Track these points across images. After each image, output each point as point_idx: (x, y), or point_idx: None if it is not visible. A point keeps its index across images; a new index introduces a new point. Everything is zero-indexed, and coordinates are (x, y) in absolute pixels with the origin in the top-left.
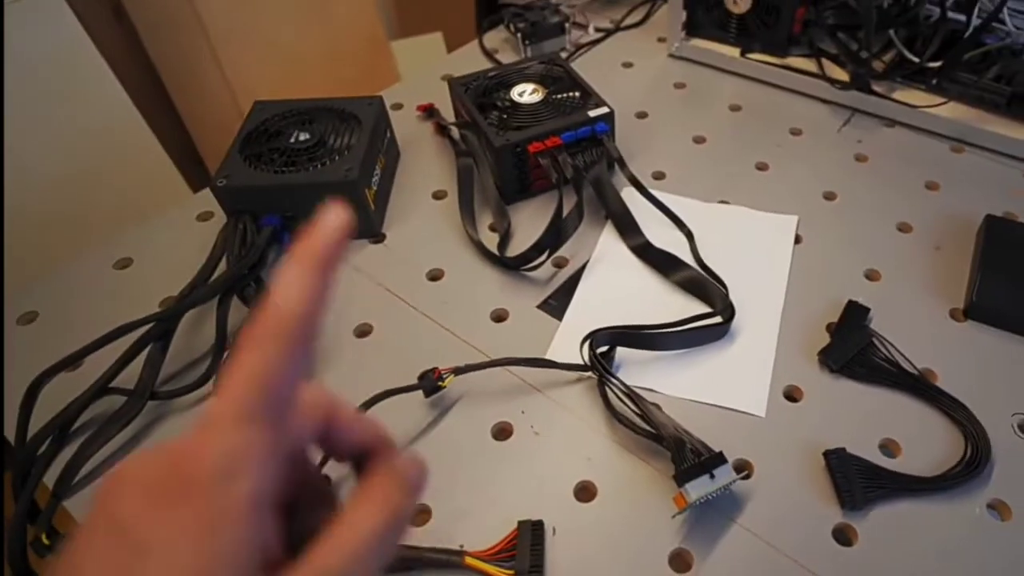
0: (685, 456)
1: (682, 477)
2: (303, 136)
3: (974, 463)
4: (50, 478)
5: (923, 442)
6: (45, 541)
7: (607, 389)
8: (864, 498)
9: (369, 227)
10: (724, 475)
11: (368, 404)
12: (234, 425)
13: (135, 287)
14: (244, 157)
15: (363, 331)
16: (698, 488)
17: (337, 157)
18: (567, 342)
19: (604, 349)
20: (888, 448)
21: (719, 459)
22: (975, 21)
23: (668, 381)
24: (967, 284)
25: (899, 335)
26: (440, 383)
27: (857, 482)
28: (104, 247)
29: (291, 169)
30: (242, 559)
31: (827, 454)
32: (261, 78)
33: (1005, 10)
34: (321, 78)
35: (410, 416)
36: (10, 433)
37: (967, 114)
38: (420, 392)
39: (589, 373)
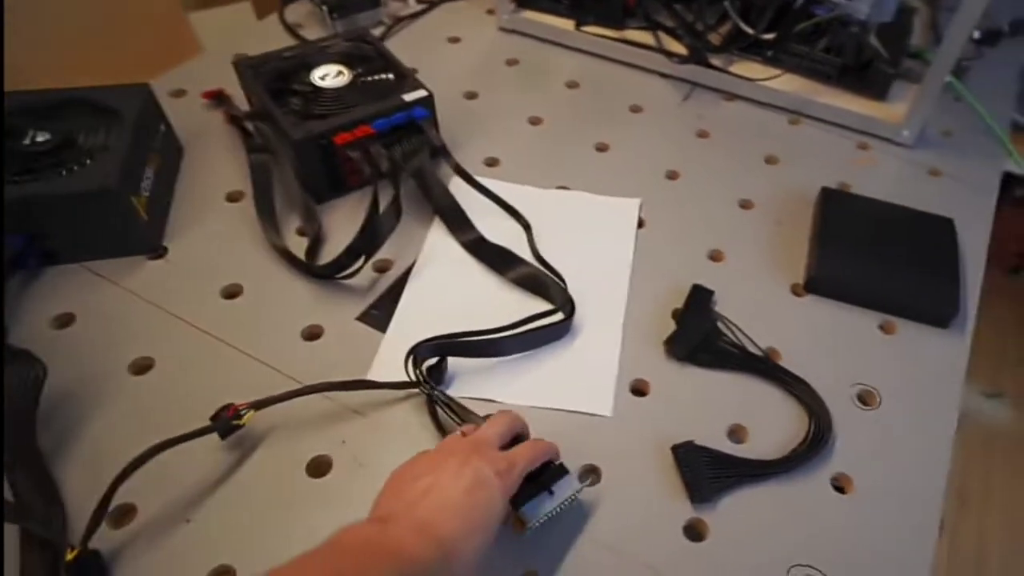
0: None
1: (517, 499)
2: (42, 136)
3: (816, 440)
4: None
5: (769, 424)
6: None
7: (436, 407)
8: (711, 489)
9: (142, 241)
10: (566, 488)
11: (141, 460)
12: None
13: None
14: None
15: (142, 366)
16: (536, 508)
17: (89, 160)
18: (394, 357)
19: (433, 362)
20: (736, 435)
21: (559, 472)
22: None
23: (508, 389)
24: (806, 257)
25: (743, 315)
26: (237, 421)
27: (705, 474)
28: None
29: (28, 177)
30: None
31: (675, 449)
32: (32, 60)
33: None
34: (108, 57)
35: (204, 463)
36: None
37: (802, 86)
38: (215, 435)
39: (416, 390)
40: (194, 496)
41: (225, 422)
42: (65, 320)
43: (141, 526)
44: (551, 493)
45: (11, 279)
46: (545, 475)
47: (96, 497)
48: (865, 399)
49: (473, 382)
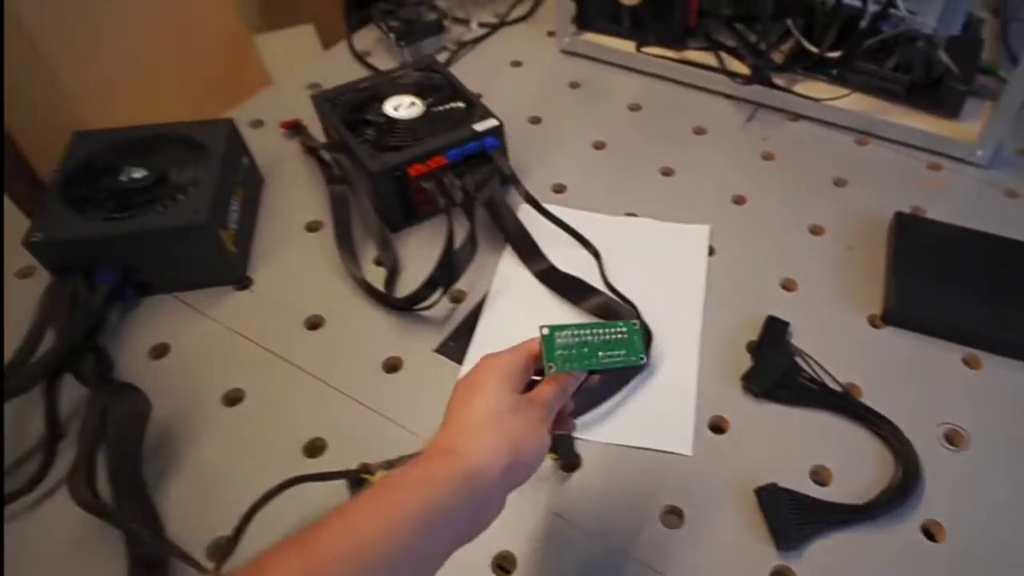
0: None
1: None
2: (138, 172)
3: (905, 486)
4: None
5: (853, 465)
6: None
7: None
8: (799, 536)
9: (230, 272)
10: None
11: (273, 492)
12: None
13: None
14: (67, 202)
15: (233, 398)
16: None
17: (182, 196)
18: None
19: None
20: (819, 476)
21: None
22: (871, 7)
23: (587, 427)
24: (883, 287)
25: (820, 348)
26: (368, 476)
27: (790, 519)
28: None
29: (126, 214)
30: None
31: (758, 491)
32: (104, 86)
33: None
34: (176, 80)
35: (321, 501)
36: None
37: (869, 105)
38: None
39: None
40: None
41: (356, 477)
42: (160, 351)
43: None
44: None
45: (111, 310)
46: None
47: (199, 531)
48: (953, 439)
49: None
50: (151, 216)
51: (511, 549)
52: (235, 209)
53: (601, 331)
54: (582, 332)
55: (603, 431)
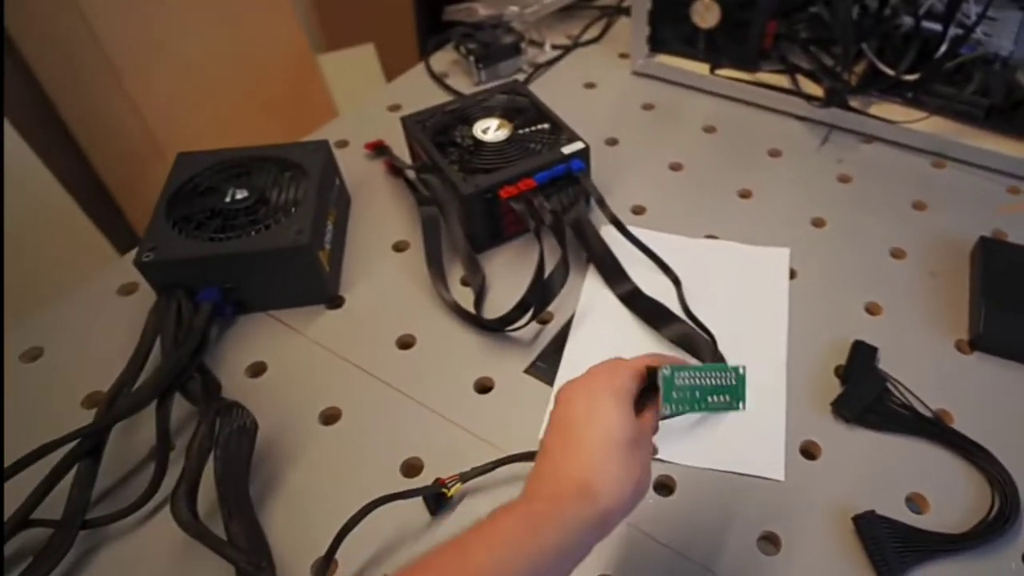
0: None
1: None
2: (240, 193)
3: (1003, 515)
4: None
5: (950, 493)
6: None
7: None
8: (900, 566)
9: (323, 292)
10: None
11: (361, 514)
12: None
13: (50, 384)
14: (172, 222)
15: (330, 416)
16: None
17: (283, 217)
18: None
19: None
20: (915, 503)
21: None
22: (952, 31)
23: (677, 448)
24: (969, 313)
25: (908, 373)
26: (445, 491)
27: (890, 547)
28: (8, 335)
29: (230, 235)
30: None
31: (856, 519)
32: (176, 108)
33: None
34: (242, 99)
35: (406, 518)
36: None
37: (946, 128)
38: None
39: None
40: (395, 552)
41: (434, 491)
42: (258, 369)
43: None
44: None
45: (212, 328)
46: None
47: (299, 550)
48: None
49: None
50: (254, 237)
51: (607, 572)
52: (330, 230)
53: (713, 374)
54: (697, 375)
55: (693, 454)
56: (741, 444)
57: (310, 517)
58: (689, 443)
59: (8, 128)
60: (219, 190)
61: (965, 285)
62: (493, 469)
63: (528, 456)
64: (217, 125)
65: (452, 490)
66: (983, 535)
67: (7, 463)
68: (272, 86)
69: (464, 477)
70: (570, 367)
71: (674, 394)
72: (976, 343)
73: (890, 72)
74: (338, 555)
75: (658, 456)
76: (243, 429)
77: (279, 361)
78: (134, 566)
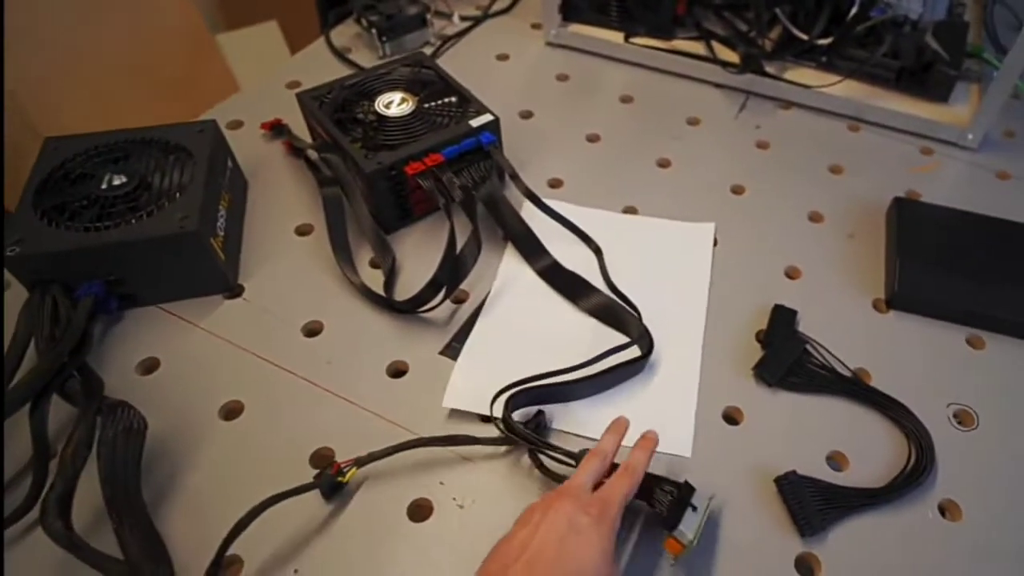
0: (658, 497)
1: (670, 519)
2: (118, 179)
3: (920, 467)
4: None
5: (869, 449)
6: None
7: (539, 456)
8: (821, 522)
9: (220, 281)
10: (700, 503)
11: (251, 515)
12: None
13: None
14: (41, 213)
15: (231, 410)
16: (690, 525)
17: (167, 203)
18: (465, 387)
19: (533, 413)
20: (835, 461)
21: (689, 489)
22: None
23: (583, 421)
24: (885, 272)
25: (828, 335)
26: (340, 478)
27: (812, 505)
28: None
29: (108, 224)
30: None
31: (778, 480)
32: (57, 90)
33: None
34: (133, 82)
35: (304, 511)
36: None
37: (860, 91)
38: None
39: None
40: (299, 546)
41: (329, 480)
42: (151, 365)
43: None
44: (694, 508)
45: (94, 325)
46: (679, 494)
47: (200, 549)
48: (962, 419)
49: (553, 415)
50: (135, 225)
51: None
52: (222, 215)
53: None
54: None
55: (598, 427)
56: (651, 421)
57: (211, 519)
58: (600, 417)
59: None
60: (94, 176)
61: (882, 246)
62: (392, 454)
63: (429, 441)
64: (105, 110)
65: (348, 475)
66: (900, 488)
67: None
68: (165, 68)
69: (360, 462)
70: (480, 343)
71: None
72: (892, 301)
73: (804, 37)
74: (241, 554)
75: (571, 431)
76: (129, 429)
77: (173, 356)
78: None
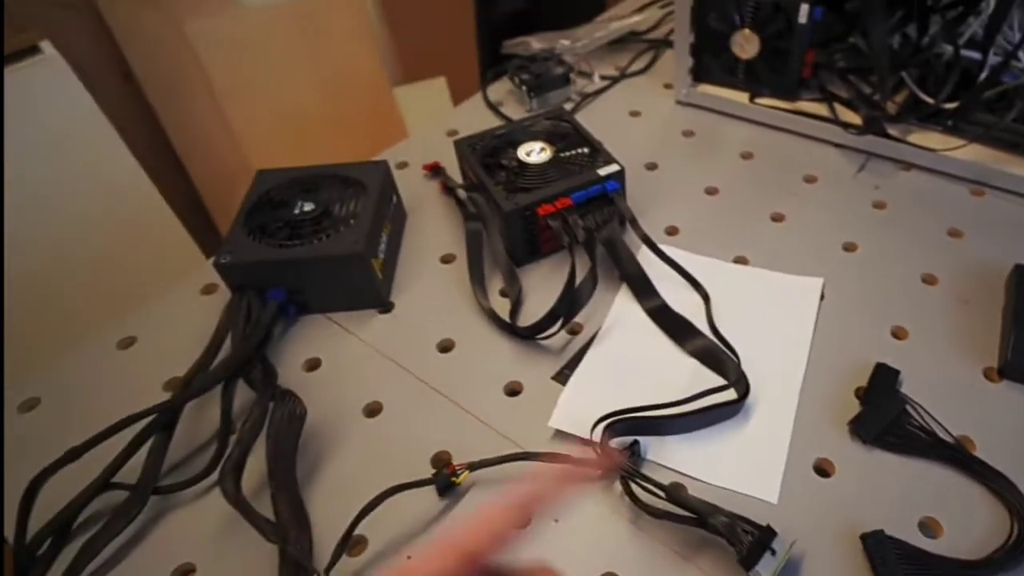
0: (740, 537)
1: (749, 559)
2: (308, 206)
3: (1021, 543)
4: None
5: (965, 519)
6: None
7: (630, 484)
8: None
9: (376, 297)
10: (780, 547)
11: (377, 500)
12: None
13: (139, 368)
14: (248, 230)
15: (372, 410)
16: (767, 567)
17: (342, 228)
18: (571, 411)
19: (629, 443)
20: (928, 527)
21: (771, 532)
22: (992, 59)
23: (676, 457)
24: (1000, 340)
25: (931, 398)
26: (454, 479)
27: (898, 567)
28: (108, 326)
29: (296, 242)
30: None
31: (864, 537)
32: (266, 132)
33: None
34: (325, 128)
35: (421, 504)
36: (9, 533)
37: (986, 155)
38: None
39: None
40: (414, 534)
41: (444, 479)
42: (314, 364)
43: (370, 557)
44: (773, 552)
45: (276, 326)
46: (760, 535)
47: (336, 523)
48: None
49: (648, 447)
50: (316, 244)
51: (613, 570)
52: (384, 241)
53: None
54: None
55: (694, 465)
56: (742, 463)
57: (346, 498)
58: (692, 454)
59: (124, 150)
60: (290, 203)
61: (998, 314)
62: (501, 463)
63: (534, 456)
64: (301, 148)
65: (461, 478)
66: (999, 563)
67: (98, 432)
68: (352, 115)
69: (472, 467)
70: (588, 372)
71: None
72: (1004, 370)
73: (929, 100)
74: (367, 534)
75: (663, 463)
76: (293, 415)
77: (332, 358)
78: (192, 530)
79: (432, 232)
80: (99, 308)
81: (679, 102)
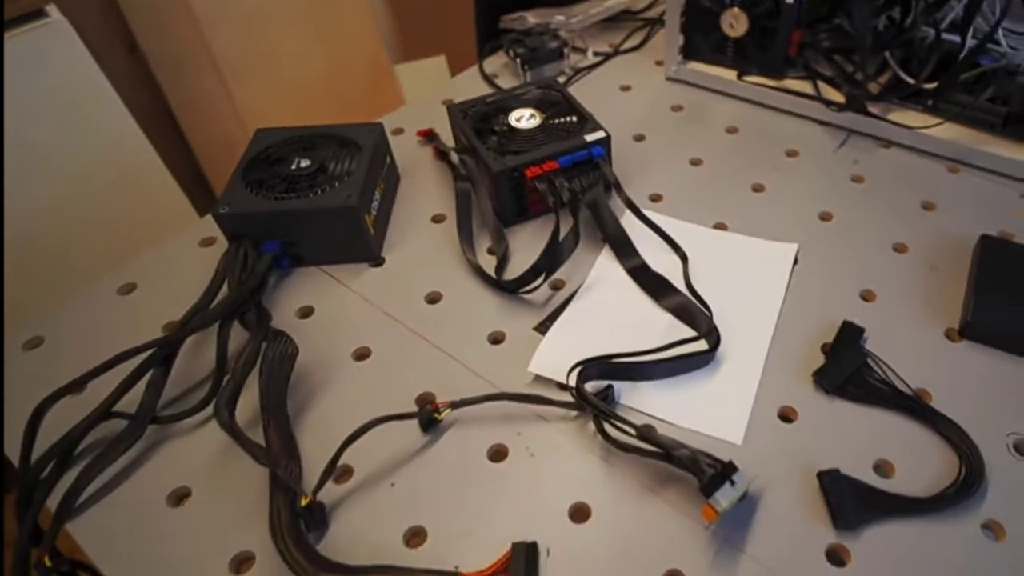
0: (702, 468)
1: (709, 488)
2: (304, 162)
3: (968, 483)
4: (53, 501)
5: (917, 463)
6: (47, 563)
7: (603, 423)
8: (857, 518)
9: (368, 251)
10: (741, 480)
11: (363, 429)
12: None
13: (139, 312)
14: (246, 184)
15: (361, 354)
16: (726, 496)
17: (337, 183)
18: (549, 358)
19: (603, 386)
20: (882, 469)
21: (732, 467)
22: (970, 42)
23: (649, 401)
24: (962, 304)
25: (894, 356)
26: (437, 415)
27: (850, 502)
28: (110, 273)
29: (292, 195)
30: None
31: (820, 475)
32: (269, 105)
33: (1000, 31)
34: (327, 102)
35: (405, 438)
36: (14, 457)
37: (963, 134)
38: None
39: (586, 410)
40: (397, 465)
41: (427, 414)
42: (307, 311)
43: (356, 484)
44: (732, 483)
45: (271, 276)
46: (721, 468)
47: (325, 456)
48: (1021, 449)
49: (622, 392)
50: (311, 198)
51: (584, 500)
52: (377, 198)
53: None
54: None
55: (662, 408)
56: (708, 408)
57: (334, 434)
58: (663, 400)
59: (128, 117)
60: (287, 160)
61: (964, 281)
62: (482, 402)
63: (513, 396)
64: (302, 123)
65: (443, 415)
66: (945, 502)
67: (99, 364)
68: (352, 91)
69: (454, 405)
70: (567, 323)
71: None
72: (964, 331)
73: (910, 81)
74: (352, 464)
75: (636, 407)
76: (285, 353)
77: (324, 307)
78: (188, 457)
79: (424, 194)
80: (98, 266)
81: (669, 78)
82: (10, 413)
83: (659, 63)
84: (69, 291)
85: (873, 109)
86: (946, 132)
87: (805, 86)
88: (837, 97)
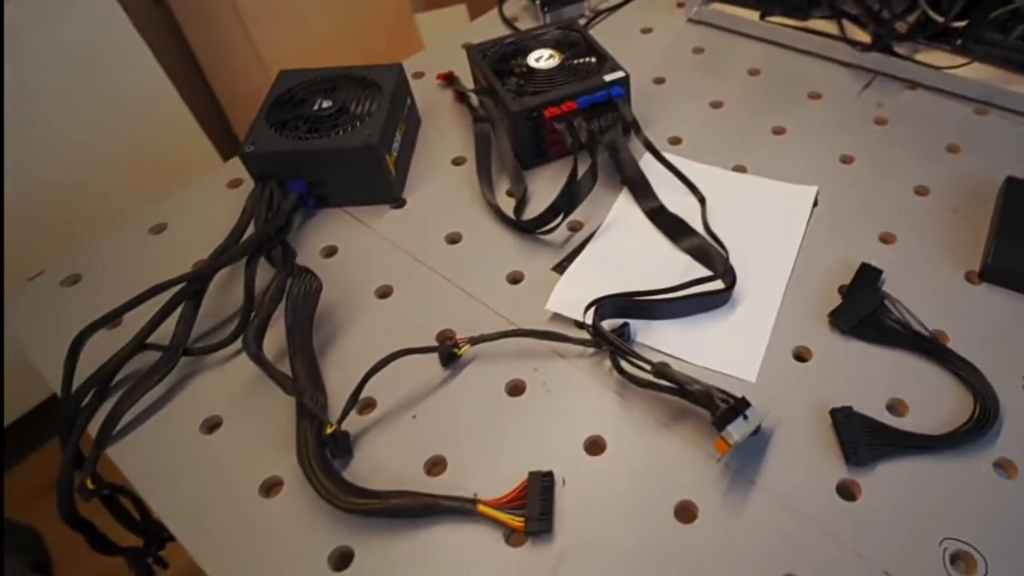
0: (716, 403)
1: (721, 421)
2: (326, 103)
3: (982, 422)
4: (93, 428)
5: (931, 402)
6: (89, 486)
7: (618, 359)
8: (869, 454)
9: (390, 192)
10: (753, 416)
11: (385, 361)
12: None
13: (170, 250)
14: (270, 124)
15: (383, 292)
16: (738, 429)
17: (359, 123)
18: (567, 296)
19: (619, 324)
20: (896, 408)
21: (745, 402)
22: None
23: (665, 339)
24: (984, 246)
25: (912, 298)
26: (456, 350)
27: (862, 439)
28: (142, 214)
29: (314, 135)
30: None
31: (833, 412)
32: (291, 54)
33: None
34: (348, 51)
35: (426, 372)
36: (56, 387)
37: (992, 75)
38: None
39: (602, 347)
40: (419, 398)
41: (447, 349)
42: (331, 251)
43: (379, 416)
44: (745, 418)
45: (296, 216)
46: (734, 403)
47: (348, 388)
48: None
49: (637, 330)
50: (333, 138)
51: (599, 433)
52: (398, 140)
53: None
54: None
55: (678, 347)
56: (725, 346)
57: (358, 367)
58: (679, 338)
59: (155, 65)
60: (309, 101)
61: (986, 224)
62: (500, 338)
63: (530, 333)
64: None
65: (462, 350)
66: (957, 439)
67: (133, 296)
68: (374, 41)
69: (473, 340)
70: (585, 263)
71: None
72: (984, 273)
73: (939, 19)
74: (375, 396)
75: (651, 344)
76: (309, 290)
77: (348, 246)
78: (219, 388)
79: (444, 137)
80: (132, 208)
81: (691, 20)
82: (51, 347)
83: (680, 4)
84: (102, 232)
85: (899, 49)
86: (975, 72)
87: (830, 26)
88: (863, 37)
